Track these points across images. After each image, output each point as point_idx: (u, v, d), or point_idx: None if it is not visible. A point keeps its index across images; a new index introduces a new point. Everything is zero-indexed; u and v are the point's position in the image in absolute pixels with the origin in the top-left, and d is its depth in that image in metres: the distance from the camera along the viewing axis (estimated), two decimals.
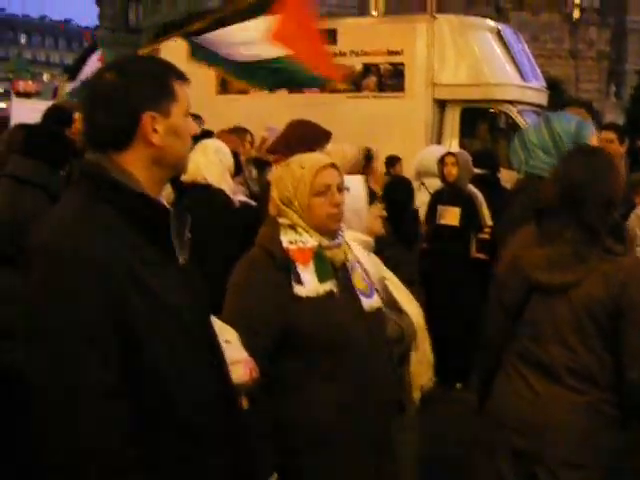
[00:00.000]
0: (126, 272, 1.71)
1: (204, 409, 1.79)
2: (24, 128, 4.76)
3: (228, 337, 2.09)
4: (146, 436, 1.69)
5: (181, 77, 1.88)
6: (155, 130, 1.82)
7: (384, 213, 3.36)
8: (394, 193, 5.12)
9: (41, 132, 4.51)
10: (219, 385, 1.87)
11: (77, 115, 6.43)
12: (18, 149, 4.43)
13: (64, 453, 1.65)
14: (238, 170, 4.99)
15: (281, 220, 2.68)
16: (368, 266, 2.86)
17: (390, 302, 2.98)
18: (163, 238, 1.83)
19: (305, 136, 4.31)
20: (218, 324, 2.05)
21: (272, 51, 6.36)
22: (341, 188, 2.72)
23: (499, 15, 37.03)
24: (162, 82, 1.85)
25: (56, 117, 5.89)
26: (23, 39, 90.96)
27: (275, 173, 4.03)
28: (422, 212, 6.73)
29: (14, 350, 3.95)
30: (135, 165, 1.82)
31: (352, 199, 2.98)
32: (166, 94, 1.84)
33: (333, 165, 2.73)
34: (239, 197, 4.75)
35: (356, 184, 3.13)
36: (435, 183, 7.22)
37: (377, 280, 2.90)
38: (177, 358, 1.76)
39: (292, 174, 2.69)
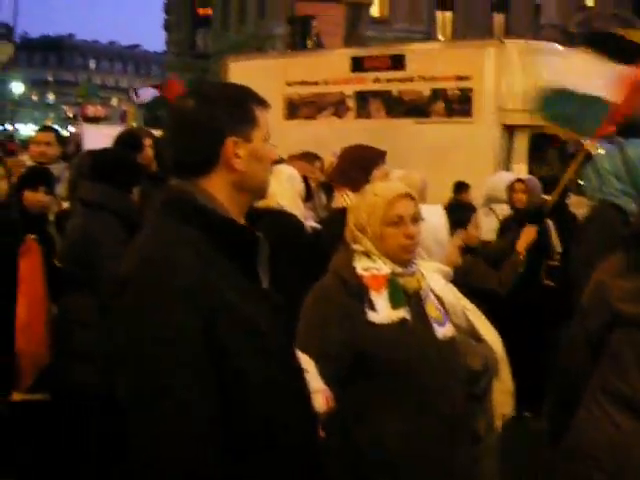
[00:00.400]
0: (218, 299, 1.70)
1: (292, 434, 1.78)
2: (91, 153, 4.91)
3: (306, 366, 2.08)
4: (236, 460, 1.68)
5: (261, 103, 1.90)
6: (237, 155, 1.82)
7: (463, 243, 3.36)
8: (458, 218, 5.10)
9: (106, 157, 4.61)
10: (304, 412, 1.87)
11: (147, 141, 6.58)
12: (87, 174, 4.57)
13: (160, 477, 1.63)
14: (309, 196, 5.05)
15: (355, 246, 2.69)
16: (445, 295, 2.84)
17: (471, 331, 2.97)
18: (251, 264, 1.83)
19: (357, 159, 4.33)
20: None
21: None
22: (417, 219, 2.70)
23: (567, 39, 36.67)
24: (243, 108, 1.86)
25: (127, 142, 6.04)
26: (92, 64, 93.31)
27: (353, 199, 4.10)
28: (491, 239, 6.68)
29: (91, 373, 4.09)
30: (219, 191, 1.82)
31: (434, 229, 2.98)
32: (248, 119, 1.85)
33: (409, 195, 2.71)
34: (310, 223, 4.80)
35: (437, 214, 3.12)
36: (504, 209, 7.17)
37: (456, 309, 2.89)
38: (268, 385, 1.74)
39: (367, 202, 2.70)
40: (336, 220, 4.13)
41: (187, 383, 1.63)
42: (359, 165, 4.25)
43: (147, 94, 14.02)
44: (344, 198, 4.20)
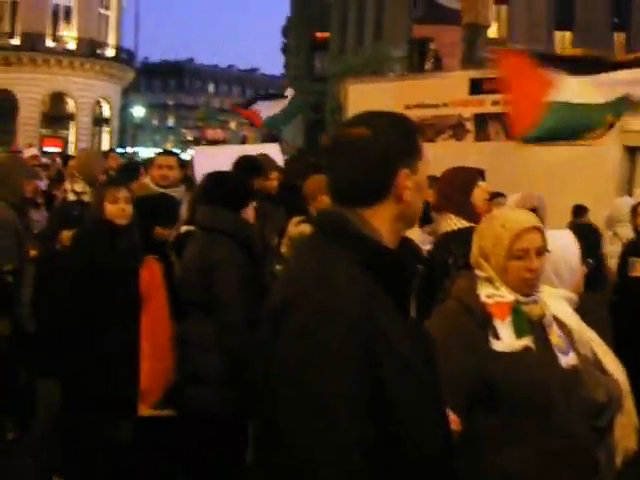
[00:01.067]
0: (375, 328, 1.69)
1: (436, 464, 1.76)
2: (207, 177, 5.11)
3: None
4: None
5: (421, 134, 1.91)
6: (407, 187, 1.82)
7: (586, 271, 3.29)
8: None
9: (217, 180, 4.73)
10: (447, 443, 1.85)
11: (274, 174, 6.66)
12: (201, 198, 4.71)
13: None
14: (427, 219, 5.05)
15: (478, 272, 2.69)
16: (571, 323, 2.80)
17: (595, 362, 2.91)
18: (404, 294, 1.82)
19: (457, 182, 4.31)
20: None
21: None
22: (541, 252, 2.65)
23: None
24: (412, 138, 1.86)
25: (247, 166, 6.20)
26: (211, 88, 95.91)
27: (457, 223, 4.08)
28: (614, 263, 6.51)
29: (211, 396, 4.21)
30: (382, 220, 1.82)
31: (565, 255, 2.91)
32: (415, 151, 1.85)
33: (537, 228, 2.67)
34: (427, 247, 4.80)
35: (567, 238, 3.07)
36: (628, 233, 6.98)
37: (582, 338, 2.83)
38: (419, 418, 1.73)
39: (493, 231, 2.67)
40: (442, 247, 4.14)
41: (343, 407, 1.63)
42: (459, 187, 4.25)
43: (268, 109, 13.95)
44: (448, 222, 4.20)
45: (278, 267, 5.30)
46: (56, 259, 4.92)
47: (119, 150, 23.86)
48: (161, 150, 8.43)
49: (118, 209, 4.77)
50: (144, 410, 4.63)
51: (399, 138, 1.84)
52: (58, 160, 11.66)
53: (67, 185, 6.99)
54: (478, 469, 2.53)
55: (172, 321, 4.67)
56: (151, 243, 4.88)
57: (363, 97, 10.49)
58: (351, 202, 1.83)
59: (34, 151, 10.15)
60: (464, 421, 2.44)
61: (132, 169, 7.63)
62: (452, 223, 4.16)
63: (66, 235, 5.27)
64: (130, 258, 4.67)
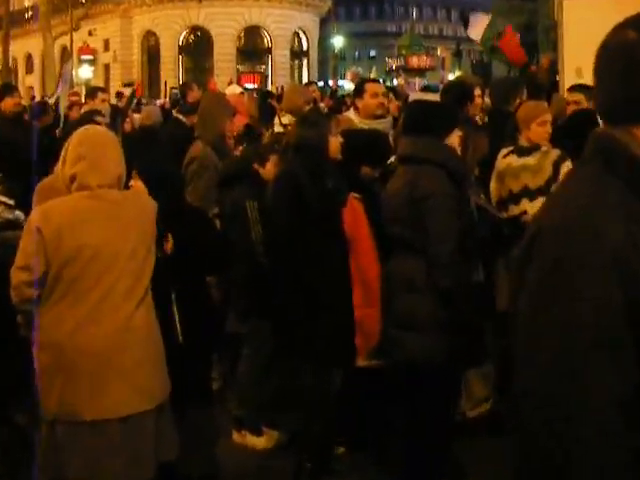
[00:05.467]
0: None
1: None
2: (410, 105, 5.06)
3: None
4: None
5: None
6: None
7: None
8: None
9: (423, 107, 4.80)
10: None
11: (477, 91, 6.63)
12: (403, 129, 4.75)
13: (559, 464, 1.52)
14: None
15: None
16: None
17: None
18: None
19: None
20: None
21: None
22: None
23: None
24: None
25: (457, 92, 6.12)
26: (415, 13, 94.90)
27: None
28: None
29: (415, 341, 4.25)
30: None
31: None
32: None
33: None
34: None
35: None
36: None
37: None
38: None
39: None
40: None
41: (600, 367, 1.50)
42: None
43: (478, 25, 13.45)
44: None
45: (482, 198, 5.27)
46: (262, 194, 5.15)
47: (320, 84, 24.23)
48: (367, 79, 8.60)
49: (337, 142, 4.85)
50: (359, 360, 4.75)
51: None
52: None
53: (275, 118, 7.33)
54: None
55: (379, 261, 4.74)
56: (356, 183, 4.94)
57: (580, 12, 9.99)
58: (625, 120, 1.67)
59: (237, 88, 10.46)
60: None
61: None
62: None
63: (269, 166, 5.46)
64: (336, 197, 4.74)
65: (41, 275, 3.62)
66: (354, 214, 4.79)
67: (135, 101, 17.77)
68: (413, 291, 4.39)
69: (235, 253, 4.96)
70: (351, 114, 6.35)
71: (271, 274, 4.88)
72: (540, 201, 5.11)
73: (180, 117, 8.63)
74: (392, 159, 5.19)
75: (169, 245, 4.15)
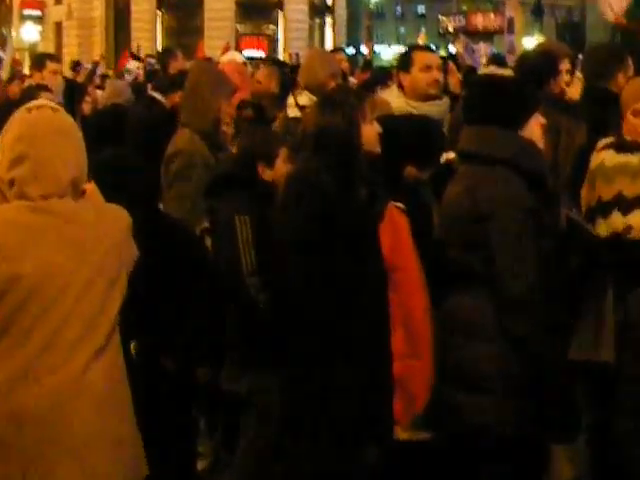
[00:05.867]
0: None
1: None
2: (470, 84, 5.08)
3: None
4: None
5: None
6: None
7: None
8: None
9: (486, 86, 4.93)
10: None
11: (565, 64, 6.61)
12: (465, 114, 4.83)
13: None
14: None
15: None
16: None
17: None
18: None
19: None
20: None
21: None
22: None
23: None
24: None
25: (537, 65, 6.17)
26: None
27: None
28: None
29: (481, 405, 4.24)
30: None
31: None
32: None
33: None
34: None
35: None
36: None
37: None
38: None
39: None
40: None
41: None
42: None
43: None
44: None
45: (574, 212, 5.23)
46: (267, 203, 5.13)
47: (349, 51, 24.28)
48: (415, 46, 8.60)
49: (373, 131, 4.85)
50: (399, 432, 4.72)
51: None
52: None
53: (289, 98, 7.31)
54: None
55: (429, 298, 4.74)
56: (398, 187, 4.94)
57: None
58: None
59: (237, 56, 10.47)
60: None
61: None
62: None
63: (279, 165, 5.43)
64: (371, 209, 4.73)
65: None
66: (395, 232, 4.76)
67: (98, 73, 17.90)
68: (478, 338, 4.41)
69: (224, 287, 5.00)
70: (393, 93, 6.35)
71: (273, 315, 4.88)
72: (638, 215, 5.07)
73: (156, 95, 8.67)
74: (449, 155, 5.19)
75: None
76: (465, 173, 4.55)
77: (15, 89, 10.24)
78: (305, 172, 4.80)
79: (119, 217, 3.88)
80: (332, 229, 4.61)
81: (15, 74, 11.50)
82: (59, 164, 3.69)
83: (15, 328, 3.58)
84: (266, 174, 5.39)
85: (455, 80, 8.28)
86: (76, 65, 16.66)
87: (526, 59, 6.61)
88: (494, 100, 4.55)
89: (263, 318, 4.97)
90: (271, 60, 15.00)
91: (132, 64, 19.79)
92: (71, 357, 3.61)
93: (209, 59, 14.82)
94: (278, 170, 5.36)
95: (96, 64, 16.55)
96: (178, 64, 10.08)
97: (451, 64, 8.67)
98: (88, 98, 9.63)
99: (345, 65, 11.29)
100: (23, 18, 44.27)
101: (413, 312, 4.71)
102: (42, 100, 4.54)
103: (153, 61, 19.67)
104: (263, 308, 5.02)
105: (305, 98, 7.15)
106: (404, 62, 6.36)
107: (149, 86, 10.08)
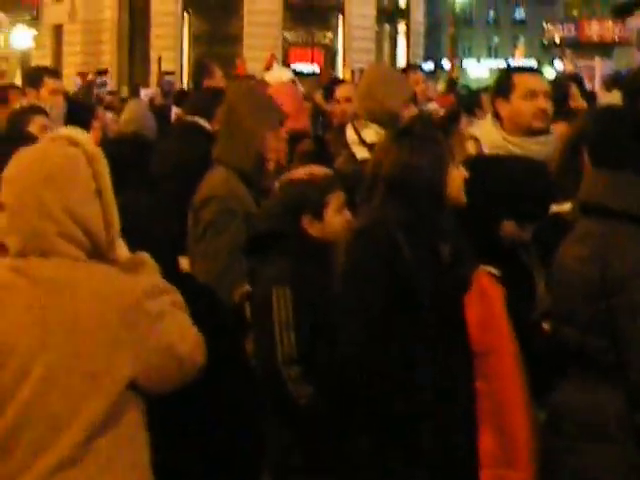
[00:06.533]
0: None
1: None
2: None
3: None
4: None
5: None
6: None
7: None
8: None
9: (614, 122, 4.89)
10: None
11: None
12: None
13: None
14: None
15: None
16: None
17: None
18: None
19: None
20: None
21: None
22: None
23: None
24: None
25: None
26: None
27: None
28: None
29: None
30: None
31: None
32: None
33: None
34: None
35: None
36: None
37: None
38: None
39: None
40: None
41: None
42: None
43: None
44: None
45: None
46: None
47: (426, 66, 24.37)
48: (516, 64, 8.62)
49: (460, 176, 4.89)
50: None
51: None
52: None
53: (349, 132, 7.26)
54: None
55: (529, 390, 4.76)
56: (491, 247, 4.95)
57: None
58: None
59: (284, 73, 10.52)
60: None
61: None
62: None
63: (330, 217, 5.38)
64: (456, 274, 4.75)
65: None
66: (486, 304, 4.78)
67: (105, 90, 18.04)
68: (601, 439, 4.41)
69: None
70: (487, 125, 6.37)
71: (321, 412, 4.90)
72: None
73: (199, 120, 8.63)
74: (562, 207, 5.18)
75: None
76: (590, 232, 4.50)
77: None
78: (374, 226, 4.82)
79: (122, 290, 3.79)
80: (404, 298, 4.64)
81: None
82: (38, 216, 3.72)
83: None
84: (314, 228, 5.33)
85: (579, 107, 8.27)
86: (82, 79, 16.80)
87: None
88: (627, 140, 4.57)
89: (306, 416, 4.96)
90: (330, 79, 14.77)
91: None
92: (28, 466, 3.62)
93: (251, 77, 14.75)
94: (330, 223, 5.35)
95: (104, 73, 16.12)
96: (214, 82, 9.87)
97: (573, 87, 8.68)
98: (96, 123, 9.61)
99: (422, 87, 11.16)
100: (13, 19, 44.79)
101: (508, 407, 4.71)
102: (68, 130, 4.45)
103: (171, 78, 19.80)
104: (306, 405, 4.95)
105: (372, 133, 7.04)
106: (502, 86, 6.35)
107: (177, 109, 10.10)
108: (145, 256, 4.06)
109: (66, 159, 3.86)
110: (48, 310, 3.67)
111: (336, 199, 5.24)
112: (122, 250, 4.05)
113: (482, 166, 5.08)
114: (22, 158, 3.87)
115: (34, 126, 7.15)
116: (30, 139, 5.31)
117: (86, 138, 4.09)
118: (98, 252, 3.79)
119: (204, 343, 3.85)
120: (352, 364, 4.75)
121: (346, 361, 4.78)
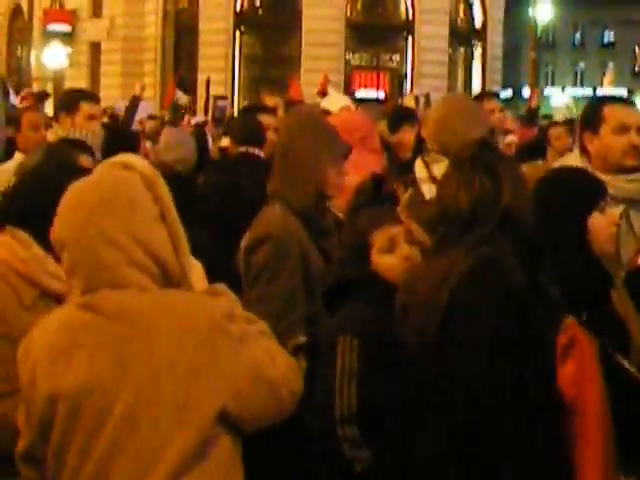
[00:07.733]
0: None
1: None
2: None
3: None
4: None
5: None
6: None
7: None
8: None
9: None
10: None
11: None
12: None
13: None
14: None
15: None
16: None
17: None
18: None
19: None
20: None
21: None
22: None
23: None
24: None
25: None
26: None
27: None
28: None
29: None
30: None
31: None
32: None
33: None
34: None
35: None
36: None
37: None
38: None
39: None
40: None
41: None
42: None
43: None
44: None
45: None
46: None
47: (504, 94, 24.40)
48: (605, 94, 8.65)
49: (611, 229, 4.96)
50: None
51: None
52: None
53: (418, 167, 7.24)
54: None
55: (615, 457, 4.75)
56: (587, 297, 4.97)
57: None
58: None
59: (341, 100, 10.54)
60: None
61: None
62: None
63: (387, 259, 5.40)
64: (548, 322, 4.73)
65: (28, 448, 3.86)
66: (579, 358, 4.76)
67: (146, 113, 18.05)
68: None
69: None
70: (573, 160, 6.38)
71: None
72: None
73: (253, 150, 8.60)
74: None
75: None
76: None
77: (25, 141, 9.92)
78: (486, 263, 4.63)
79: (199, 313, 3.86)
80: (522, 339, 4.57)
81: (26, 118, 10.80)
82: (102, 246, 3.81)
83: (62, 466, 3.77)
84: (382, 267, 5.37)
85: None
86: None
87: None
88: None
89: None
90: (398, 108, 14.56)
91: (182, 98, 19.98)
92: None
93: (299, 100, 14.66)
94: (377, 265, 5.39)
95: (138, 98, 15.48)
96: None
97: None
98: (141, 153, 9.62)
99: (499, 117, 11.03)
100: (47, 36, 44.98)
101: (586, 475, 4.71)
102: (120, 155, 4.31)
103: (224, 103, 19.74)
104: (361, 471, 4.90)
105: (444, 168, 7.01)
106: (591, 118, 6.36)
107: (227, 138, 10.11)
108: (224, 287, 4.15)
109: (121, 183, 3.94)
110: (123, 345, 3.78)
111: (380, 238, 5.34)
112: (199, 281, 4.17)
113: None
114: (74, 190, 3.96)
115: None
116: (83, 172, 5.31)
117: (141, 161, 4.16)
118: (170, 280, 3.89)
119: (298, 368, 3.90)
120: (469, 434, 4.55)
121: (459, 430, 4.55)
